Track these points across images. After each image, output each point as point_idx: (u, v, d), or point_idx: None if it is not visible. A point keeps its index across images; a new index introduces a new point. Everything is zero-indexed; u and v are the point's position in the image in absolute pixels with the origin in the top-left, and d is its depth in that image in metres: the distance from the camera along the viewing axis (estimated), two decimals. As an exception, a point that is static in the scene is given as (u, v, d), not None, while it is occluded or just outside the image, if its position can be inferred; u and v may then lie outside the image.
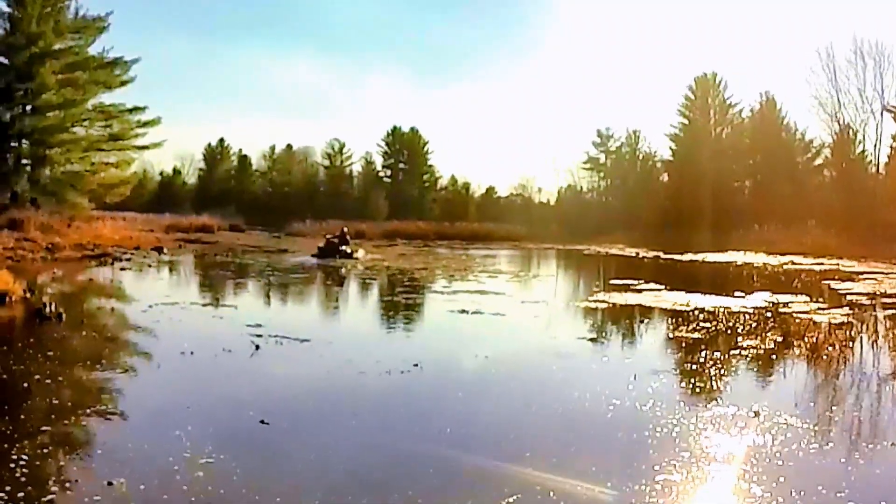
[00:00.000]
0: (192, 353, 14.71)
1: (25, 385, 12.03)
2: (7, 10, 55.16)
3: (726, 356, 16.20)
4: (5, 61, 55.02)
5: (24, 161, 56.37)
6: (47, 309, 18.88)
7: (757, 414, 11.08)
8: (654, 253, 58.51)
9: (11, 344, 15.53)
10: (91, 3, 58.20)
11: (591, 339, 18.53)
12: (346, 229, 45.61)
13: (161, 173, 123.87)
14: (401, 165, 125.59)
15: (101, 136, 59.15)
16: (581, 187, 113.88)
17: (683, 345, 17.52)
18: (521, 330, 20.57)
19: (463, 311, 22.32)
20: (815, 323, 21.19)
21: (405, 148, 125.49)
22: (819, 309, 24.57)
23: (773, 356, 16.50)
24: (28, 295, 21.96)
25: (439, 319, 22.58)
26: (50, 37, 54.81)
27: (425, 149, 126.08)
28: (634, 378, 13.35)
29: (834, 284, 34.07)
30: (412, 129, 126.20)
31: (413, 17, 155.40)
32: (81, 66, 57.78)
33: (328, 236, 44.35)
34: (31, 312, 19.27)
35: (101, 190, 59.69)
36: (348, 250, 43.15)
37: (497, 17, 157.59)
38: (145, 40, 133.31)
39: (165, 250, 47.29)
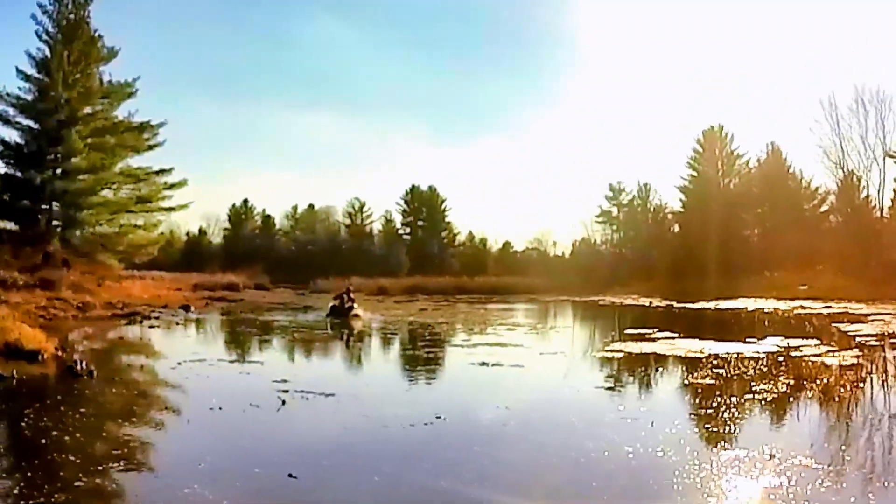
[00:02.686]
0: (220, 408, 14.71)
1: (58, 440, 12.04)
2: (37, 76, 55.67)
3: (740, 400, 16.13)
4: (35, 126, 55.44)
5: (56, 222, 56.65)
6: (79, 366, 18.95)
7: (772, 456, 11.03)
8: (668, 302, 58.25)
9: (44, 400, 15.56)
10: (117, 68, 57.92)
11: (609, 389, 18.44)
12: (350, 287, 45.63)
13: (188, 233, 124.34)
14: (420, 223, 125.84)
15: (129, 199, 59.45)
16: (595, 240, 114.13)
17: (698, 391, 17.44)
18: (539, 381, 20.50)
19: (483, 364, 22.29)
20: (825, 365, 21.07)
21: (424, 205, 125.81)
22: (829, 351, 24.45)
23: (786, 399, 16.43)
24: (60, 352, 22.00)
25: (460, 372, 22.48)
26: (78, 102, 55.28)
27: (443, 206, 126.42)
28: (652, 425, 13.31)
29: (843, 327, 33.86)
30: (430, 187, 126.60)
31: (433, 76, 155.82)
32: (110, 130, 58.20)
33: (334, 298, 43.89)
34: (64, 369, 19.32)
35: (130, 250, 59.98)
36: (354, 307, 42.72)
37: (512, 78, 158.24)
38: (170, 103, 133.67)
39: (193, 308, 47.25)
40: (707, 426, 13.57)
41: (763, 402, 16.00)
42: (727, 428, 13.49)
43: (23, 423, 13.12)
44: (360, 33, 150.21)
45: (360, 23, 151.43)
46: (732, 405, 15.60)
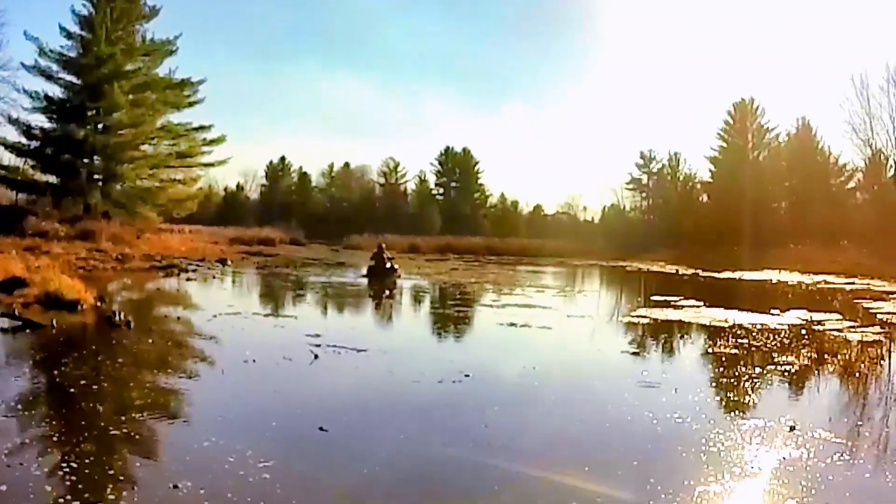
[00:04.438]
0: (254, 360, 14.77)
1: (93, 388, 12.13)
2: (79, 32, 55.82)
3: (763, 371, 16.05)
4: (78, 81, 55.65)
5: (97, 176, 57.01)
6: (117, 317, 19.07)
7: (792, 428, 10.99)
8: (694, 270, 58.05)
9: (82, 349, 15.67)
10: (158, 26, 58.15)
11: (634, 353, 18.43)
12: (383, 244, 43.99)
13: (225, 188, 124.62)
14: (453, 184, 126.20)
15: (169, 154, 59.80)
16: (624, 206, 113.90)
17: (722, 360, 17.38)
18: (566, 343, 20.57)
19: (511, 324, 22.42)
20: (847, 341, 21.03)
21: (457, 167, 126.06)
22: (851, 327, 24.28)
23: (807, 372, 16.37)
24: (99, 303, 22.15)
25: (489, 332, 22.63)
26: (119, 58, 55.50)
27: (476, 168, 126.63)
28: (675, 392, 13.30)
29: (866, 303, 33.57)
30: (464, 149, 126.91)
31: (466, 42, 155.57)
32: (150, 86, 58.50)
33: (371, 258, 42.40)
34: (102, 319, 19.51)
35: (169, 204, 60.38)
36: (396, 268, 41.74)
37: (546, 43, 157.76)
38: (210, 62, 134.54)
39: (229, 262, 47.54)
40: (729, 395, 13.54)
41: (784, 374, 15.90)
42: (749, 398, 13.46)
43: (60, 371, 13.20)
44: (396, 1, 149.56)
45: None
46: (754, 375, 15.56)
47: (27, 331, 17.56)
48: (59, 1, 77.06)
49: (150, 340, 17.33)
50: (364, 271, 41.21)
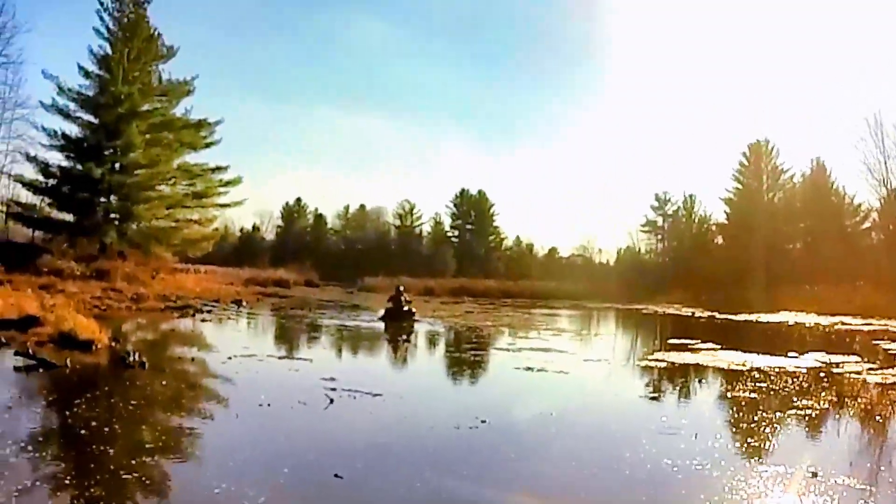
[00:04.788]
0: (268, 404, 14.65)
1: (106, 429, 12.04)
2: (97, 71, 56.10)
3: (782, 415, 15.96)
4: (95, 120, 55.88)
5: (113, 215, 57.04)
6: (131, 357, 18.99)
7: (814, 474, 10.84)
8: (710, 313, 57.78)
9: (95, 389, 15.61)
10: (175, 66, 58.52)
11: (651, 398, 18.28)
12: (401, 287, 43.39)
13: (241, 229, 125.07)
14: (468, 226, 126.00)
15: (185, 194, 59.94)
16: (639, 248, 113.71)
17: (741, 404, 17.18)
18: (584, 389, 20.42)
19: (528, 369, 22.13)
20: (867, 383, 20.92)
21: (472, 209, 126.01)
22: (871, 369, 24.17)
23: (828, 416, 16.26)
24: (113, 343, 22.10)
25: (506, 376, 22.36)
26: (136, 98, 55.73)
27: (491, 210, 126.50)
28: (694, 437, 13.14)
29: (884, 344, 33.49)
30: (479, 191, 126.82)
31: (480, 85, 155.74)
32: (167, 126, 58.74)
33: (388, 300, 41.60)
34: (116, 360, 19.41)
35: (184, 244, 60.48)
36: (413, 311, 40.74)
37: (559, 85, 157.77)
38: (226, 103, 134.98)
39: (244, 303, 47.29)
40: (749, 441, 13.39)
41: (804, 418, 15.80)
42: (769, 443, 13.32)
43: (72, 412, 13.13)
44: (409, 40, 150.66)
45: (409, 31, 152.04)
46: (774, 420, 15.46)
47: (41, 370, 17.51)
48: (77, 40, 77.48)
49: (164, 382, 17.23)
50: (380, 314, 40.60)
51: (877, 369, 24.31)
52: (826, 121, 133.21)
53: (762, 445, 13.12)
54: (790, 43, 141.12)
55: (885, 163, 76.63)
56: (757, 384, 20.17)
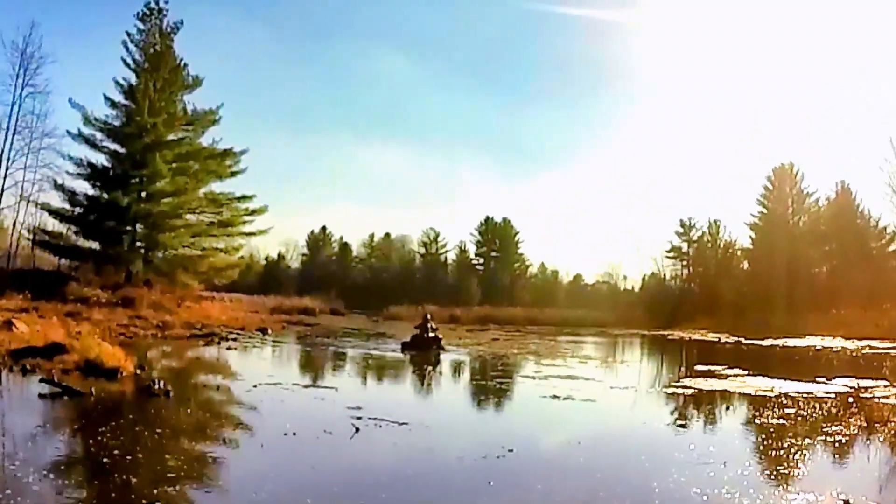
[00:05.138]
0: (294, 433, 14.55)
1: (130, 457, 11.98)
2: (123, 102, 56.41)
3: (812, 442, 15.85)
4: (122, 150, 56.18)
5: (139, 243, 57.30)
6: (156, 385, 18.99)
7: (846, 502, 10.69)
8: (736, 338, 57.47)
9: (120, 418, 15.56)
10: (201, 96, 58.88)
11: (680, 426, 18.15)
12: (428, 315, 42.49)
13: (266, 257, 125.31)
14: (493, 254, 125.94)
15: (211, 223, 60.11)
16: (664, 275, 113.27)
17: (770, 431, 17.01)
18: (611, 416, 20.26)
19: (554, 397, 21.99)
20: None
21: (497, 237, 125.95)
22: None
23: (857, 442, 16.12)
24: (138, 371, 22.06)
25: (532, 404, 22.21)
26: (162, 128, 56.05)
27: (516, 238, 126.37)
28: (724, 466, 12.98)
29: None
30: (504, 219, 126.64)
31: (501, 112, 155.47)
32: (193, 156, 59.00)
33: (415, 326, 40.96)
34: (141, 388, 19.38)
35: (210, 272, 60.61)
36: (439, 337, 39.96)
37: (580, 111, 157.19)
38: (252, 133, 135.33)
39: (269, 331, 47.16)
40: (779, 468, 13.23)
41: (834, 444, 15.68)
42: (799, 470, 13.19)
43: (96, 440, 13.08)
44: (430, 71, 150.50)
45: (429, 62, 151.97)
46: (803, 446, 15.32)
47: (66, 398, 17.52)
48: (104, 70, 77.86)
49: (189, 410, 17.20)
50: (407, 339, 39.91)
51: None
52: (850, 143, 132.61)
53: (792, 473, 12.98)
54: (813, 66, 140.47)
55: None
56: (785, 410, 20.02)
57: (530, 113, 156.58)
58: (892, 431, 17.07)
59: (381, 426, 15.77)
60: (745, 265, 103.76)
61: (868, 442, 16.12)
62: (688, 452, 14.39)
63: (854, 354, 43.65)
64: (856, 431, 17.07)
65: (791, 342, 53.39)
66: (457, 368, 33.21)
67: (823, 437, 16.24)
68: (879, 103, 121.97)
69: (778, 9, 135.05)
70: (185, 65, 59.76)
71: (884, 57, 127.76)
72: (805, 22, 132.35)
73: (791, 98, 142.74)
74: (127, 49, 57.86)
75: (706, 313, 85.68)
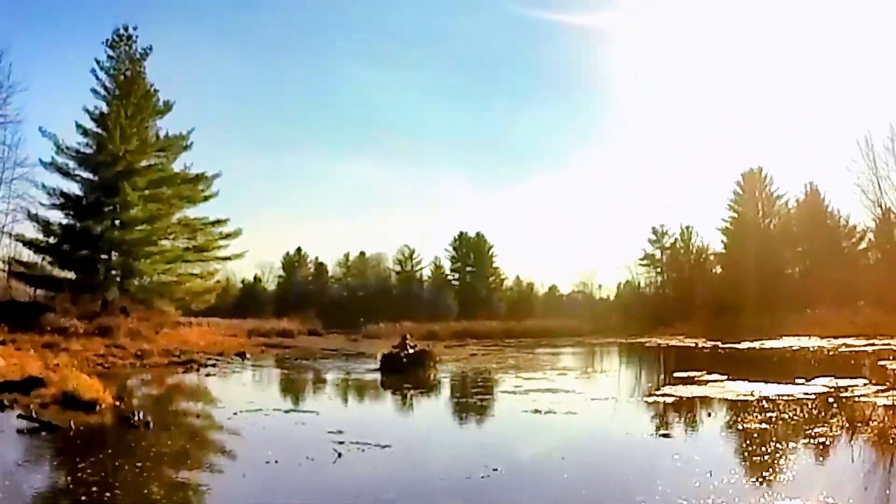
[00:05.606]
0: (276, 461, 14.40)
1: (110, 493, 11.81)
2: (94, 129, 56.20)
3: (795, 445, 15.86)
4: (94, 178, 56.00)
5: (114, 271, 57.09)
6: (135, 417, 18.75)
7: (832, 506, 10.68)
8: (713, 342, 57.55)
9: (99, 451, 15.34)
10: (172, 121, 58.90)
11: (663, 435, 17.95)
12: (408, 336, 41.69)
13: (243, 280, 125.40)
14: (468, 268, 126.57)
15: (186, 248, 60.03)
16: (639, 282, 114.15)
17: (753, 436, 16.91)
18: (593, 429, 20.10)
19: (536, 411, 21.78)
20: (877, 406, 20.89)
21: (471, 251, 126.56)
22: (879, 391, 24.13)
23: (841, 443, 16.11)
24: (117, 402, 21.84)
25: (514, 420, 21.94)
26: (135, 155, 55.92)
27: (490, 252, 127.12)
28: (709, 475, 12.89)
29: (891, 365, 33.42)
30: (478, 233, 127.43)
31: (476, 123, 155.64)
32: (166, 181, 58.87)
33: (393, 346, 39.29)
34: (120, 419, 19.20)
35: (187, 298, 60.51)
36: (423, 357, 37.87)
37: (552, 122, 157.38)
38: (222, 155, 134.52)
39: (248, 355, 47.02)
40: (765, 474, 13.17)
41: (817, 446, 15.68)
42: (784, 475, 13.13)
43: (75, 476, 12.91)
44: (402, 85, 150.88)
45: (402, 75, 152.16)
46: (787, 450, 15.33)
47: (44, 433, 17.31)
48: (75, 97, 77.69)
49: (170, 441, 17.03)
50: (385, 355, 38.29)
51: (886, 391, 24.15)
52: (818, 145, 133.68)
53: (777, 478, 12.92)
54: (781, 70, 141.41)
55: (878, 183, 77.57)
56: (767, 414, 20.02)
57: (505, 123, 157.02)
58: (875, 431, 17.12)
59: (363, 450, 15.62)
60: (719, 269, 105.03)
61: (851, 442, 16.02)
62: (672, 462, 14.30)
63: (831, 353, 43.85)
64: (838, 432, 17.07)
65: (768, 344, 53.56)
66: (437, 386, 33.04)
67: (807, 440, 16.19)
68: (845, 105, 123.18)
69: (751, 14, 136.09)
70: (156, 90, 59.72)
71: (848, 59, 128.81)
72: (774, 26, 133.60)
73: (761, 102, 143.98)
74: (97, 76, 57.91)
75: (682, 319, 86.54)
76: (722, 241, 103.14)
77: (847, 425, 17.81)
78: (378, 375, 35.51)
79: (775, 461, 14.19)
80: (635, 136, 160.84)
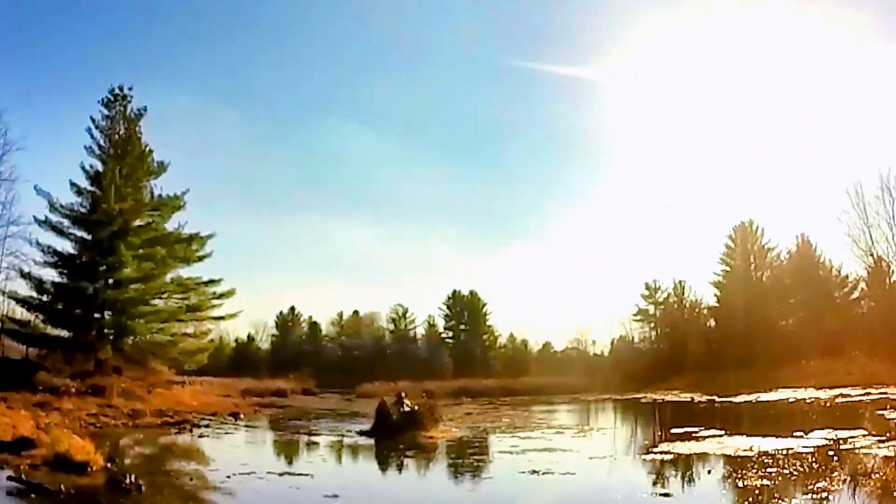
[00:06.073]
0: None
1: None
2: (89, 188, 56.11)
3: (799, 502, 15.69)
4: (88, 237, 55.81)
5: (107, 330, 56.70)
6: (127, 480, 18.41)
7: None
8: (708, 397, 57.42)
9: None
10: (166, 181, 58.74)
11: (663, 495, 17.64)
12: (403, 394, 38.73)
13: (236, 339, 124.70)
14: (462, 326, 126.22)
15: (179, 308, 59.67)
16: (633, 337, 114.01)
17: (756, 493, 16.74)
18: (592, 489, 19.86)
19: (534, 472, 21.52)
20: (878, 458, 20.87)
21: (465, 309, 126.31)
22: (879, 442, 24.11)
23: (843, 497, 15.98)
24: (109, 464, 21.50)
25: (512, 482, 21.67)
26: (129, 214, 55.78)
27: (484, 309, 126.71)
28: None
29: (889, 415, 33.55)
30: (471, 291, 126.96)
31: (469, 186, 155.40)
32: (160, 241, 58.53)
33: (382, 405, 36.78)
34: (112, 482, 18.81)
35: (180, 357, 60.05)
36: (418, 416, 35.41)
37: (542, 182, 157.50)
38: (216, 215, 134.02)
39: (242, 416, 46.74)
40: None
41: (822, 502, 15.47)
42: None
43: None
44: (395, 145, 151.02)
45: (395, 135, 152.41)
46: (792, 507, 14.96)
47: (33, 496, 16.97)
48: (70, 156, 77.77)
49: (162, 507, 16.69)
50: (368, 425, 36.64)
51: (885, 441, 24.18)
52: (808, 196, 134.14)
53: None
54: (769, 123, 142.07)
55: (869, 232, 78.00)
56: (767, 469, 19.77)
57: (496, 185, 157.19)
58: (877, 483, 16.95)
59: (360, 515, 15.35)
60: (713, 323, 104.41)
61: (854, 496, 15.98)
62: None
63: (828, 404, 43.75)
64: (841, 486, 16.92)
65: (764, 397, 53.38)
66: (432, 446, 32.64)
67: (809, 496, 15.99)
68: (835, 156, 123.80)
69: (737, 65, 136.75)
70: (151, 150, 59.57)
71: (837, 110, 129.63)
72: (761, 75, 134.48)
73: (751, 154, 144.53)
74: (92, 135, 57.66)
75: (677, 373, 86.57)
76: (715, 295, 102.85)
77: (849, 479, 17.61)
78: (372, 438, 33.81)
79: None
80: (627, 192, 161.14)
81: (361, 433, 35.35)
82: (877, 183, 78.31)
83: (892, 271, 79.62)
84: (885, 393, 45.96)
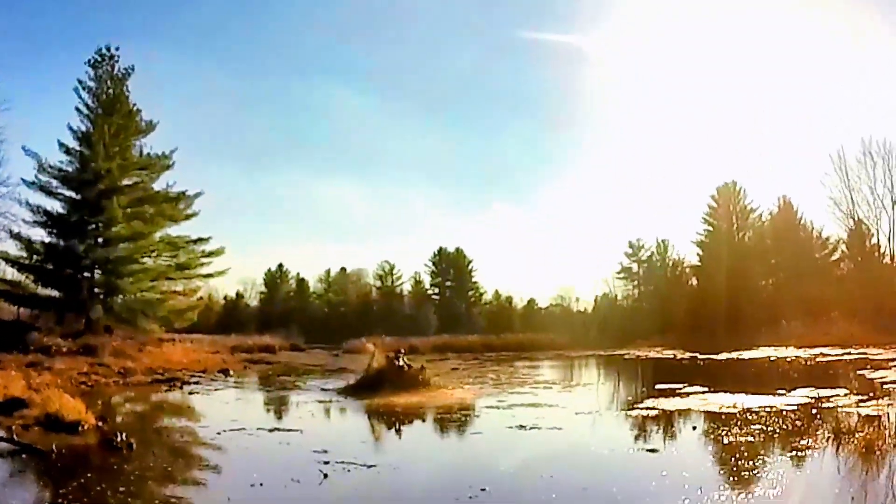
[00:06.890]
0: (261, 484, 13.99)
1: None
2: (77, 148, 55.76)
3: (783, 458, 15.81)
4: (77, 196, 55.47)
5: (98, 290, 56.52)
6: (118, 438, 18.28)
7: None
8: (691, 354, 57.52)
9: (82, 476, 14.89)
10: (155, 140, 58.32)
11: (649, 451, 17.62)
12: (402, 351, 37.27)
13: (225, 297, 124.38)
14: (448, 283, 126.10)
15: (168, 266, 59.49)
16: (616, 295, 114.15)
17: (740, 449, 16.72)
18: (579, 445, 19.69)
19: (521, 427, 21.58)
20: (860, 416, 21.01)
21: (451, 267, 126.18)
22: (861, 401, 24.28)
23: (828, 454, 16.11)
24: (100, 423, 21.35)
25: (499, 437, 21.53)
26: (118, 173, 55.38)
27: (470, 267, 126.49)
28: (699, 491, 12.57)
29: (868, 374, 33.79)
30: (457, 249, 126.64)
31: (454, 144, 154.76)
32: (148, 200, 58.30)
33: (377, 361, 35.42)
34: (103, 441, 18.71)
35: (170, 316, 59.82)
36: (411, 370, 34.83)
37: (528, 139, 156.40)
38: (204, 173, 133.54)
39: (231, 372, 46.48)
40: (754, 489, 12.97)
41: (806, 458, 15.65)
42: (775, 490, 12.85)
43: (57, 502, 12.50)
44: (380, 104, 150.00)
45: (380, 94, 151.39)
46: (776, 464, 15.25)
47: (24, 456, 16.87)
48: (58, 116, 77.18)
49: (152, 463, 16.57)
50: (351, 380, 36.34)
51: (867, 400, 24.38)
52: (791, 159, 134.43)
53: (767, 493, 12.66)
54: (753, 87, 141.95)
55: (851, 195, 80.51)
56: (751, 426, 19.88)
57: (482, 142, 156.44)
58: (860, 442, 16.85)
59: (348, 470, 15.24)
60: (695, 282, 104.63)
61: (837, 454, 16.03)
62: (660, 480, 13.99)
63: (809, 363, 44.00)
64: (824, 444, 17.00)
65: (745, 355, 53.62)
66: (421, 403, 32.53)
67: (794, 453, 16.07)
68: (818, 120, 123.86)
69: (724, 29, 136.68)
70: (139, 110, 59.22)
71: (820, 75, 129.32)
72: (748, 41, 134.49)
73: (735, 118, 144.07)
74: (80, 96, 57.33)
75: (659, 331, 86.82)
76: (697, 255, 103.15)
77: (832, 436, 17.72)
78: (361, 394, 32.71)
79: (764, 475, 14.04)
80: (613, 152, 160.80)
81: (350, 388, 34.69)
82: (859, 147, 79.41)
83: (872, 234, 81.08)
84: (865, 353, 46.34)
